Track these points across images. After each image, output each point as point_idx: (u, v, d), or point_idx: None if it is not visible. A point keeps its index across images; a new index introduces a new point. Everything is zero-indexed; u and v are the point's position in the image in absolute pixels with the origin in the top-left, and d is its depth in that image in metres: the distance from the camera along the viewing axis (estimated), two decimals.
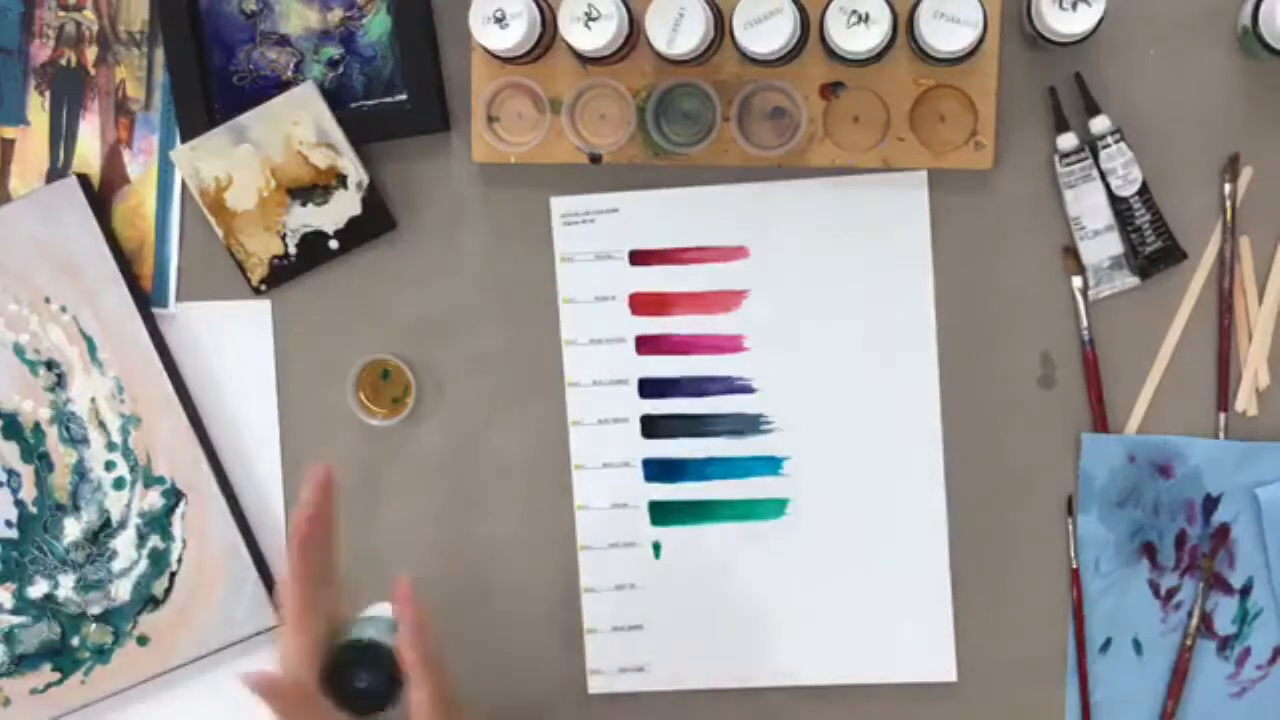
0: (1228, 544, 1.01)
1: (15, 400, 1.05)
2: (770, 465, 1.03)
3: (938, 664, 1.03)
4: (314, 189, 1.03)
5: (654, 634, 1.05)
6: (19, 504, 1.06)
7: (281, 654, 0.85)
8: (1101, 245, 1.00)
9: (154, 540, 1.05)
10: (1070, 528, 1.02)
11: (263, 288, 1.05)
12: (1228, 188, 0.99)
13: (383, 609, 0.88)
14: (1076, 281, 1.01)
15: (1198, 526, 1.01)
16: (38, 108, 1.06)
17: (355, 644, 0.85)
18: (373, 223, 1.04)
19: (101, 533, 1.06)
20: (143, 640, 1.06)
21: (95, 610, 1.06)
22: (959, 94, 0.98)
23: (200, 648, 1.05)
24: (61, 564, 1.06)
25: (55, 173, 1.06)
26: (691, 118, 1.00)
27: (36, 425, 1.05)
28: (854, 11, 0.92)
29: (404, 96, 1.03)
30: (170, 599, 1.05)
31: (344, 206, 1.03)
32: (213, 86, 1.04)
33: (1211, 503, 1.01)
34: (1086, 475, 1.01)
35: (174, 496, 1.05)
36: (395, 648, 0.85)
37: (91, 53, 1.06)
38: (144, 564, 1.06)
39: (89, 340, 1.05)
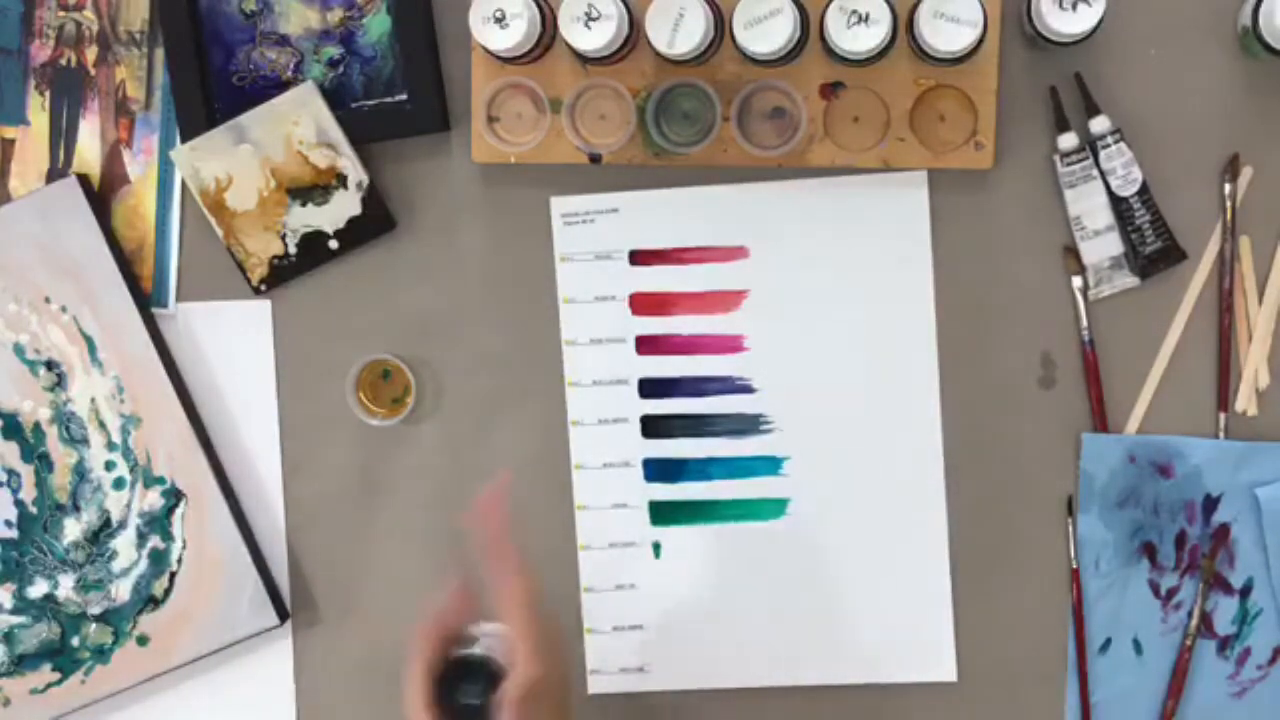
0: (1228, 544, 1.01)
1: (15, 400, 1.05)
2: (770, 465, 1.03)
3: (938, 664, 1.03)
4: (314, 189, 1.03)
5: (654, 634, 1.05)
6: (19, 504, 1.06)
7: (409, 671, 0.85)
8: (1101, 245, 1.00)
9: (154, 540, 1.05)
10: (1070, 528, 1.02)
11: (263, 288, 1.05)
12: (1228, 188, 0.99)
13: (493, 627, 0.88)
14: (1076, 281, 1.01)
15: (1198, 526, 1.01)
16: (38, 108, 1.07)
17: (468, 658, 0.85)
18: (373, 223, 1.04)
19: (101, 533, 1.06)
20: (143, 640, 1.06)
21: (95, 610, 1.06)
22: (959, 94, 0.98)
23: (200, 648, 1.05)
24: (61, 564, 1.06)
25: (55, 173, 1.06)
26: (691, 118, 1.00)
27: (36, 425, 1.05)
28: (854, 11, 0.92)
29: (404, 96, 1.03)
30: (170, 599, 1.05)
31: (344, 206, 1.03)
32: (213, 86, 1.04)
33: (1211, 503, 1.01)
34: (1086, 475, 1.01)
35: (174, 496, 1.05)
36: (500, 664, 0.84)
37: (91, 53, 1.06)
38: (144, 564, 1.06)
39: (89, 340, 1.05)
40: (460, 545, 0.87)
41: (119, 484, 1.05)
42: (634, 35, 0.97)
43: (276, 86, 1.04)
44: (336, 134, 1.02)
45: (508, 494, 0.87)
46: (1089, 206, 0.99)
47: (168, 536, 1.05)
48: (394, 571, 1.06)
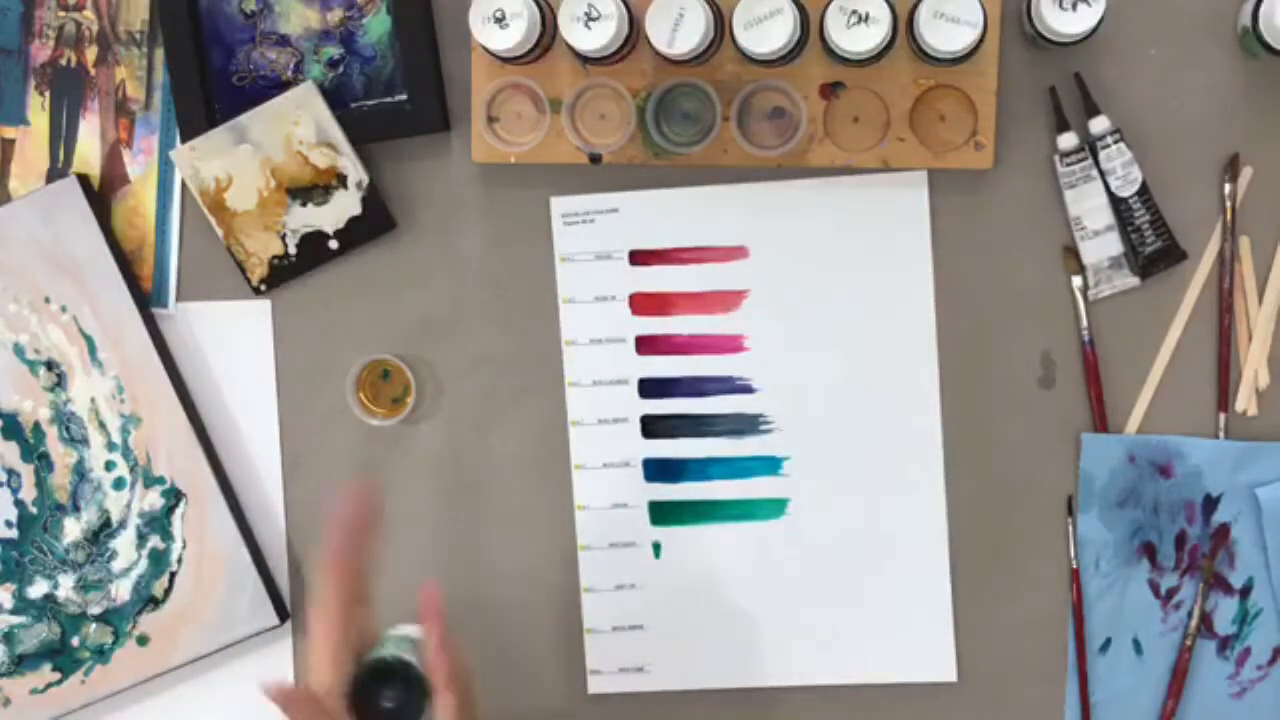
0: (1228, 544, 1.01)
1: (15, 400, 1.05)
2: (770, 465, 1.03)
3: (938, 664, 1.03)
4: (314, 189, 1.03)
5: (654, 634, 1.05)
6: (19, 504, 1.06)
7: (310, 668, 0.85)
8: (1101, 245, 1.00)
9: (154, 540, 1.05)
10: (1070, 528, 1.02)
11: (263, 288, 1.05)
12: (1228, 188, 0.99)
13: (410, 628, 0.88)
14: (1076, 281, 1.01)
15: (1198, 526, 1.01)
16: (38, 108, 1.07)
17: (382, 662, 0.85)
18: (373, 223, 1.04)
19: (101, 533, 1.06)
20: (143, 640, 1.06)
21: (95, 610, 1.06)
22: (959, 94, 0.98)
23: (200, 648, 1.05)
24: (61, 564, 1.06)
25: (55, 173, 1.06)
26: (691, 118, 1.00)
27: (36, 425, 1.05)
28: (854, 11, 0.92)
29: (404, 96, 1.03)
30: (170, 599, 1.05)
31: (344, 206, 1.03)
32: (213, 86, 1.04)
33: (1211, 503, 1.01)
34: (1086, 475, 1.01)
35: (174, 496, 1.05)
36: (422, 666, 0.84)
37: (91, 53, 1.06)
38: (144, 564, 1.06)
39: (89, 340, 1.05)
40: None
41: (119, 484, 1.05)
42: (634, 35, 0.97)
43: (276, 86, 1.04)
44: (336, 134, 1.02)
45: (441, 613, 0.86)
46: (1089, 206, 0.99)
47: (168, 536, 1.05)
48: (394, 571, 1.06)
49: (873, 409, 1.02)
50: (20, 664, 1.06)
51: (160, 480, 1.05)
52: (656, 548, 1.05)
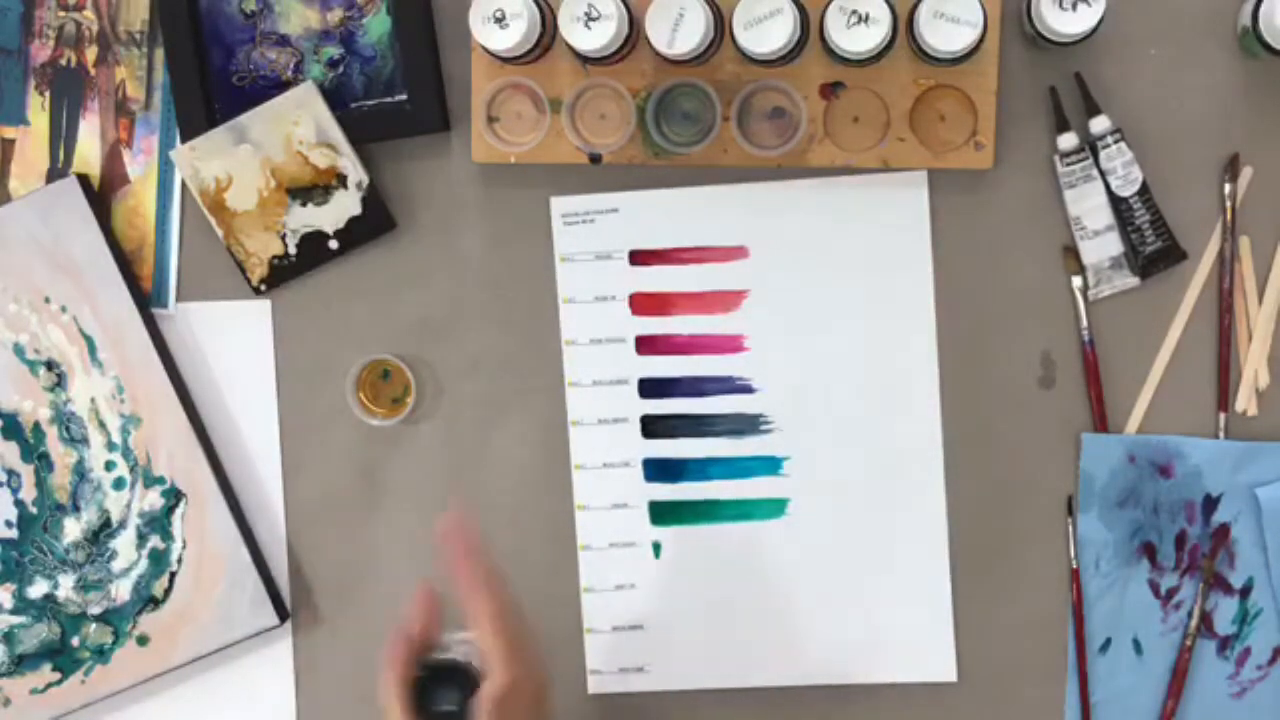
0: (1228, 544, 1.01)
1: (15, 400, 1.05)
2: (770, 465, 1.03)
3: (938, 664, 1.03)
4: (314, 189, 1.03)
5: (654, 634, 1.05)
6: (19, 504, 1.06)
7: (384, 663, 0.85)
8: (1101, 245, 1.00)
9: (154, 540, 1.05)
10: (1070, 528, 1.02)
11: (263, 288, 1.05)
12: (1228, 188, 0.99)
13: (466, 634, 0.87)
14: (1076, 281, 1.01)
15: (1198, 526, 1.01)
16: (38, 108, 1.07)
17: (438, 664, 0.85)
18: (373, 223, 1.04)
19: (101, 533, 1.06)
20: (143, 640, 1.06)
21: (95, 610, 1.06)
22: (959, 94, 0.98)
23: (200, 648, 1.05)
24: (61, 564, 1.06)
25: (55, 173, 1.06)
26: (691, 118, 1.00)
27: (36, 425, 1.05)
28: (854, 11, 0.92)
29: (404, 96, 1.03)
30: (170, 599, 1.05)
31: (344, 206, 1.03)
32: (213, 86, 1.04)
33: (1211, 503, 1.01)
34: (1086, 475, 1.01)
35: (174, 496, 1.05)
36: (478, 670, 0.84)
37: (91, 53, 1.06)
38: (144, 564, 1.06)
39: (89, 340, 1.05)
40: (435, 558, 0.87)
41: (119, 484, 1.05)
42: (634, 35, 0.97)
43: (276, 86, 1.04)
44: (336, 134, 1.02)
45: (467, 517, 0.87)
46: (1089, 206, 0.99)
47: (168, 536, 1.05)
48: (394, 571, 1.06)
49: (873, 409, 1.02)
50: (20, 664, 1.06)
51: (160, 480, 1.05)
52: (656, 548, 1.05)
